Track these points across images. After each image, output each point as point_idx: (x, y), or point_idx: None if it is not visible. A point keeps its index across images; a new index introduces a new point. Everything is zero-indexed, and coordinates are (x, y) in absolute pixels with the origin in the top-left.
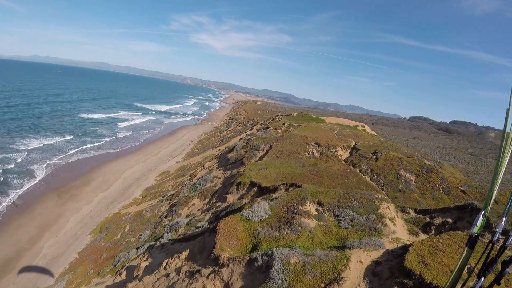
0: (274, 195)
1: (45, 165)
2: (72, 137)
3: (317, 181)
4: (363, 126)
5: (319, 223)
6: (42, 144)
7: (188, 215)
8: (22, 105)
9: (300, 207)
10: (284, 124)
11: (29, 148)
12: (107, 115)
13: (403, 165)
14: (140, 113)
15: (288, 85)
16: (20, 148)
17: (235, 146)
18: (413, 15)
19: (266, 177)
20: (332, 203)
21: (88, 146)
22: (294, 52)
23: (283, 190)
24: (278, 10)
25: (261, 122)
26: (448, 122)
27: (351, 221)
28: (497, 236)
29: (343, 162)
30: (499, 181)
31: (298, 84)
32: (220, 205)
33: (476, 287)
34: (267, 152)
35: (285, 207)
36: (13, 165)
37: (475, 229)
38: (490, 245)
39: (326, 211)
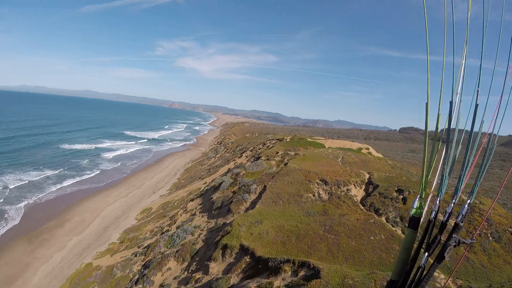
0: (276, 283)
1: (20, 205)
2: (53, 172)
3: (333, 242)
4: (368, 149)
5: None
6: (20, 182)
7: (161, 286)
8: (5, 139)
9: None
10: (277, 152)
11: (6, 186)
12: (93, 146)
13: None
14: (128, 142)
15: (276, 104)
16: None
17: (221, 183)
18: (395, 26)
19: (262, 237)
20: None
21: (69, 181)
22: (280, 71)
23: (289, 272)
24: (262, 30)
25: (250, 148)
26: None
27: None
28: (433, 215)
29: (361, 207)
30: (430, 170)
31: (286, 102)
32: (200, 277)
33: (423, 261)
34: (260, 195)
35: None
36: None
37: (413, 211)
38: (430, 223)
39: None
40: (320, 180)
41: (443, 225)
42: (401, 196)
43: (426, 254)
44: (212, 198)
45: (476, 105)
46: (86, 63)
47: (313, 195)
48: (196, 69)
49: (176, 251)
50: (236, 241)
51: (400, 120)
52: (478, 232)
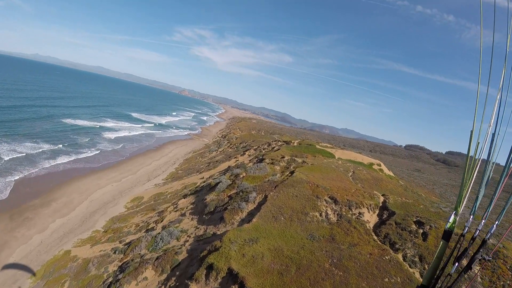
0: None
1: (10, 179)
2: (49, 146)
3: (341, 281)
4: (379, 165)
5: None
6: (14, 154)
7: None
8: (8, 108)
9: None
10: (283, 157)
11: None
12: (96, 124)
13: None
14: (133, 124)
15: (285, 104)
16: None
17: (218, 184)
18: (415, 44)
19: (255, 262)
20: None
21: (64, 158)
22: (293, 73)
23: None
24: (280, 30)
25: (255, 147)
26: (444, 153)
27: None
28: (466, 230)
29: (374, 237)
30: (469, 188)
31: (295, 104)
32: None
33: (452, 270)
34: (259, 206)
35: None
36: None
37: (448, 225)
38: (462, 237)
39: None
40: (329, 197)
41: (473, 240)
42: (421, 230)
43: (456, 264)
44: (205, 199)
45: None
46: (101, 39)
47: (320, 215)
48: (210, 59)
49: (156, 258)
50: (224, 262)
51: (406, 136)
52: (495, 249)
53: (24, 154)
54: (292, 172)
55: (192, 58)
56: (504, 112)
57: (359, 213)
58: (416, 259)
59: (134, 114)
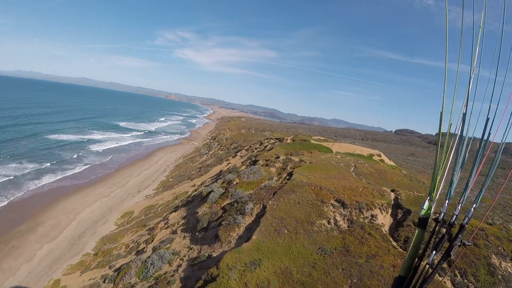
0: None
1: None
2: (34, 166)
3: None
4: (380, 155)
5: None
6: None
7: None
8: None
9: None
10: (278, 157)
11: None
12: (82, 137)
13: (492, 243)
14: (121, 134)
15: (273, 100)
16: None
17: (209, 193)
18: (397, 29)
19: None
20: None
21: (50, 177)
22: (278, 67)
23: None
24: (263, 25)
25: (246, 147)
26: (434, 134)
27: None
28: (442, 216)
29: (393, 243)
30: (443, 172)
31: (283, 99)
32: None
33: (430, 259)
34: (258, 218)
35: None
36: None
37: (423, 212)
38: (438, 224)
39: None
40: (335, 200)
41: (450, 226)
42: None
43: (434, 252)
44: (197, 212)
45: (487, 119)
46: (83, 50)
47: (328, 222)
48: (194, 61)
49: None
50: None
51: (395, 121)
52: (473, 235)
53: (10, 177)
54: (290, 174)
55: (176, 61)
56: (476, 88)
57: (372, 215)
58: (445, 265)
59: (122, 124)
